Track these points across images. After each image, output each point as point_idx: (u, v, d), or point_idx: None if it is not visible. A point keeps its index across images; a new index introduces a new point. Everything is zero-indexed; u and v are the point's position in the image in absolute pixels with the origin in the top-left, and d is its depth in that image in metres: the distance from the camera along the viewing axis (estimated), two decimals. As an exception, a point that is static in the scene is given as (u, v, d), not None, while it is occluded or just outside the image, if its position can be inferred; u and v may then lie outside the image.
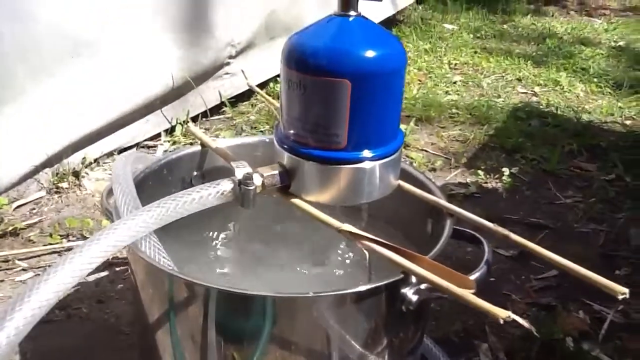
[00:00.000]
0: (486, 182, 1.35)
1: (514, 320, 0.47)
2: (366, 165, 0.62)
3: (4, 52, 1.07)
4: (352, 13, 0.61)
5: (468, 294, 0.49)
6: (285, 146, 0.64)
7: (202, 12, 1.44)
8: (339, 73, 0.58)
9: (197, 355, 0.61)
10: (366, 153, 0.61)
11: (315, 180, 0.62)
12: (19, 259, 1.02)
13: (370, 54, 0.58)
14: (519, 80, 2.06)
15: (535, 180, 1.37)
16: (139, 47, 1.31)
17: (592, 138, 1.57)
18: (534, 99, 1.90)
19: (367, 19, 0.62)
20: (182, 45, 1.40)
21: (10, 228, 1.08)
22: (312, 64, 0.58)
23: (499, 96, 1.89)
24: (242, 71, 1.41)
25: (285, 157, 0.64)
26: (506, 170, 1.37)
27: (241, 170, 0.62)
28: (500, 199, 1.29)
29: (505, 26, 2.80)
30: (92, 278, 0.96)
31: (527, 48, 2.46)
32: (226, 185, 0.61)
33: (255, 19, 1.60)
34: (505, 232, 0.60)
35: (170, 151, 1.40)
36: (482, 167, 1.40)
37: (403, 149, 1.47)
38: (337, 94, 0.58)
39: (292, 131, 0.63)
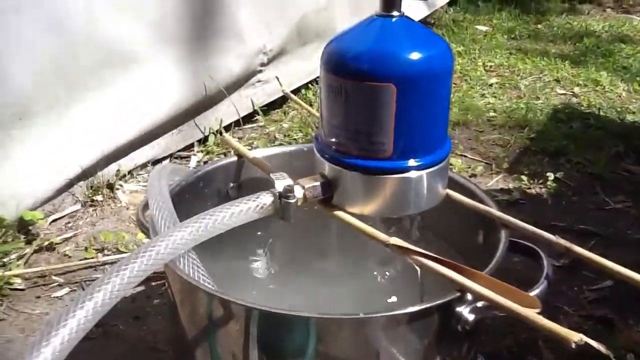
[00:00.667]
0: (530, 188, 1.29)
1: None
2: (412, 174, 0.58)
3: (38, 63, 1.06)
4: (395, 13, 0.57)
5: (534, 315, 0.45)
6: (327, 156, 0.60)
7: (233, 20, 1.42)
8: (384, 77, 0.54)
9: (238, 376, 0.58)
10: (412, 162, 0.58)
11: (359, 191, 0.59)
12: (55, 274, 1.01)
13: (416, 56, 0.55)
14: (558, 81, 2.00)
15: (582, 184, 1.31)
16: (169, 56, 1.29)
17: (639, 139, 1.50)
18: (574, 99, 1.84)
19: (411, 19, 0.59)
20: (213, 54, 1.39)
21: (46, 243, 1.07)
22: (353, 67, 0.55)
23: (538, 98, 1.83)
24: (277, 78, 1.38)
25: (327, 168, 0.60)
26: (550, 175, 1.32)
27: (281, 182, 0.59)
28: (546, 205, 1.24)
29: (539, 26, 2.73)
30: (128, 293, 0.94)
31: (564, 48, 2.39)
32: (266, 198, 0.58)
33: (286, 25, 1.58)
34: (567, 244, 0.56)
35: (203, 161, 1.39)
36: (525, 172, 1.34)
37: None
38: (381, 99, 0.55)
39: (333, 140, 0.59)
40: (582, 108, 1.76)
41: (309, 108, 0.95)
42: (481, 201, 0.66)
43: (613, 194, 1.27)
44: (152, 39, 1.24)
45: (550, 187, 1.29)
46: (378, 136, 0.57)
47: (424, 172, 0.59)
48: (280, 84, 1.33)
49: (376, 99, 0.55)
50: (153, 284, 0.96)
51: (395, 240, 0.55)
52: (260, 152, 0.78)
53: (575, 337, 0.42)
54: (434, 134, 0.60)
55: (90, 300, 0.49)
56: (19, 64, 1.03)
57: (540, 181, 1.31)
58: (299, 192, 0.59)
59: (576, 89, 1.92)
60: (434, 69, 0.56)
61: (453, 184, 0.68)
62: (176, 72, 1.31)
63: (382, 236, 0.57)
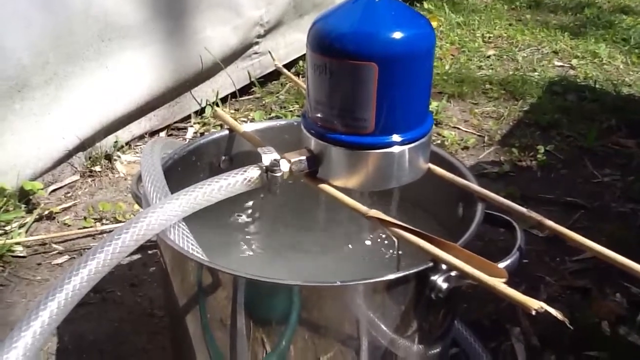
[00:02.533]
0: (520, 161, 1.32)
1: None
2: (395, 149, 0.60)
3: (35, 37, 1.08)
4: (379, -6, 0.59)
5: (498, 284, 0.48)
6: (312, 131, 0.63)
7: (229, -8, 1.42)
8: (365, 56, 0.56)
9: (227, 339, 0.61)
10: (395, 137, 0.60)
11: (343, 165, 0.62)
12: (55, 243, 1.05)
13: (396, 36, 0.56)
14: (556, 52, 2.00)
15: (572, 158, 1.33)
16: (168, 29, 1.30)
17: (633, 113, 1.52)
18: (571, 72, 1.84)
19: (394, -1, 0.60)
20: (211, 26, 1.40)
21: (46, 212, 1.10)
22: (337, 47, 0.57)
23: (535, 70, 1.84)
24: (270, 52, 1.39)
25: (313, 142, 0.63)
26: (541, 148, 1.34)
27: (268, 156, 0.61)
28: (535, 177, 1.26)
29: (541, -5, 2.71)
30: (125, 261, 0.98)
31: (564, 18, 2.38)
32: (253, 172, 0.61)
33: (283, -4, 1.58)
34: (539, 217, 0.58)
35: (200, 132, 1.41)
36: (517, 145, 1.37)
37: (435, 127, 1.45)
38: (363, 78, 0.57)
39: (318, 115, 0.62)
40: (579, 81, 1.76)
41: (301, 83, 0.97)
42: (461, 175, 0.68)
43: (601, 167, 1.29)
44: (148, 11, 1.25)
45: (540, 160, 1.31)
46: (360, 113, 0.59)
47: (405, 147, 0.61)
48: (273, 59, 1.35)
49: (358, 78, 0.57)
50: (149, 252, 1.00)
51: (374, 213, 0.58)
52: (251, 127, 0.80)
53: (535, 304, 0.45)
54: (415, 111, 0.62)
55: (84, 268, 0.52)
56: (16, 39, 1.05)
57: (531, 154, 1.33)
58: (285, 166, 0.62)
59: (574, 61, 1.92)
60: (415, 49, 0.58)
61: (436, 158, 0.70)
62: (172, 45, 1.32)
63: (363, 208, 0.59)
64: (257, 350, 0.59)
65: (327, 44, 0.58)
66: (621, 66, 1.89)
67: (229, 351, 0.61)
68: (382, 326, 0.58)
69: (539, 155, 1.32)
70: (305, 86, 0.64)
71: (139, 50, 1.25)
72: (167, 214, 0.57)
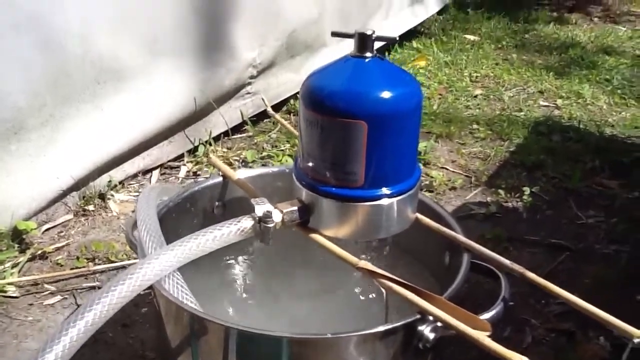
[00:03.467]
0: (507, 202, 1.35)
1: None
2: (384, 202, 0.63)
3: (34, 79, 1.10)
4: (368, 54, 0.62)
5: (482, 337, 0.50)
6: (304, 182, 0.65)
7: (223, 35, 1.46)
8: (355, 115, 0.59)
9: (220, 385, 0.62)
10: (384, 190, 0.63)
11: (333, 216, 0.64)
12: (48, 283, 1.05)
13: (385, 95, 0.60)
14: (541, 92, 2.05)
15: (557, 199, 1.36)
16: (161, 71, 1.33)
17: (615, 153, 1.56)
18: (556, 112, 1.89)
19: (383, 59, 0.63)
20: (204, 68, 1.43)
21: (40, 252, 1.11)
22: (328, 106, 0.60)
23: (521, 110, 1.88)
24: (263, 99, 1.43)
25: (304, 194, 0.65)
26: (527, 189, 1.37)
27: (261, 207, 0.64)
28: (521, 218, 1.29)
29: (527, 35, 2.78)
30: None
31: (550, 58, 2.45)
32: (246, 222, 0.63)
33: (277, 39, 1.62)
34: (521, 269, 0.60)
35: (192, 171, 1.43)
36: (503, 186, 1.40)
37: (423, 167, 1.48)
38: (353, 134, 0.60)
39: (310, 165, 0.64)
40: (563, 121, 1.81)
41: (291, 128, 1.00)
42: (447, 225, 0.71)
43: (585, 208, 1.32)
44: (145, 54, 1.28)
45: (526, 201, 1.34)
46: (350, 167, 0.62)
47: (394, 200, 0.64)
48: (266, 105, 1.38)
49: (348, 134, 0.60)
50: (141, 292, 1.00)
51: (363, 264, 0.60)
52: (244, 173, 0.82)
53: (518, 358, 0.47)
54: (403, 165, 0.64)
55: (81, 320, 0.53)
56: (15, 82, 1.07)
57: (517, 195, 1.36)
58: (277, 217, 0.64)
59: (559, 101, 1.97)
60: (402, 107, 0.61)
61: (423, 207, 0.73)
62: (168, 86, 1.35)
63: (352, 259, 0.61)
64: (248, 398, 0.60)
65: (318, 101, 0.61)
66: (604, 106, 1.94)
67: (221, 398, 0.62)
68: (371, 375, 0.59)
69: (524, 197, 1.35)
70: (295, 131, 0.67)
71: (134, 93, 1.28)
72: (163, 265, 0.59)
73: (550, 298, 1.02)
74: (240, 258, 0.84)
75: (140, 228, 0.66)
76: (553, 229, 1.25)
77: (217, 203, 0.82)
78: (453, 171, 1.48)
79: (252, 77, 1.57)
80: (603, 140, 1.66)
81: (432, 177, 1.43)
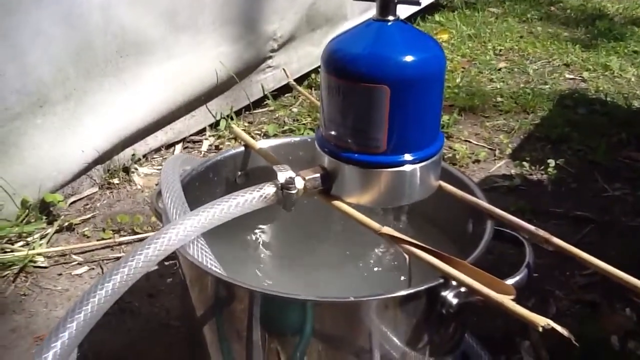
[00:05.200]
0: (531, 174, 1.33)
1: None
2: (406, 168, 0.62)
3: (57, 53, 1.11)
4: (391, 18, 0.61)
5: (506, 300, 0.50)
6: (326, 149, 0.65)
7: (243, 8, 1.45)
8: (378, 79, 0.58)
9: (243, 350, 0.63)
10: (406, 156, 0.62)
11: (355, 183, 0.64)
12: (75, 253, 1.07)
13: (408, 59, 0.59)
14: (567, 65, 2.01)
15: (582, 171, 1.34)
16: (182, 44, 1.34)
17: (643, 126, 1.53)
18: (582, 85, 1.85)
19: (406, 22, 0.62)
20: (225, 41, 1.43)
21: (66, 223, 1.13)
22: (350, 70, 0.59)
23: (546, 83, 1.85)
24: (284, 69, 1.42)
25: (326, 160, 0.65)
26: (552, 162, 1.35)
27: (283, 174, 0.64)
28: (546, 191, 1.27)
29: (552, 8, 2.72)
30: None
31: (576, 31, 2.39)
32: (269, 189, 0.63)
33: (296, 12, 1.61)
34: (547, 235, 0.60)
35: (215, 145, 1.44)
36: (527, 159, 1.38)
37: (446, 140, 1.46)
38: (375, 99, 0.59)
39: (332, 133, 0.64)
40: (589, 94, 1.77)
41: (313, 99, 0.99)
42: (471, 192, 0.70)
43: (612, 180, 1.30)
44: (165, 28, 1.29)
45: (551, 173, 1.32)
46: (373, 133, 0.61)
47: (417, 166, 0.63)
48: (288, 76, 1.37)
49: (371, 99, 0.59)
50: (166, 263, 1.02)
51: (386, 230, 0.60)
52: (266, 143, 0.82)
53: (542, 321, 0.47)
54: (426, 131, 0.64)
55: (109, 282, 0.54)
56: (38, 56, 1.08)
57: (542, 167, 1.35)
58: (299, 183, 0.64)
59: (585, 74, 1.93)
60: (425, 71, 0.60)
61: (446, 175, 0.72)
62: (188, 60, 1.35)
63: (375, 225, 0.61)
64: (272, 361, 0.61)
65: (340, 66, 0.60)
66: (632, 79, 1.89)
67: (245, 362, 0.63)
68: (394, 340, 0.60)
69: (549, 169, 1.33)
70: (318, 102, 0.66)
71: (156, 66, 1.29)
72: (187, 230, 0.59)
73: (574, 269, 1.02)
74: (262, 226, 0.84)
75: (165, 195, 0.67)
76: (578, 201, 1.23)
77: (239, 172, 0.82)
78: (476, 144, 1.47)
79: (272, 50, 1.57)
80: (630, 113, 1.62)
81: (455, 150, 1.41)
